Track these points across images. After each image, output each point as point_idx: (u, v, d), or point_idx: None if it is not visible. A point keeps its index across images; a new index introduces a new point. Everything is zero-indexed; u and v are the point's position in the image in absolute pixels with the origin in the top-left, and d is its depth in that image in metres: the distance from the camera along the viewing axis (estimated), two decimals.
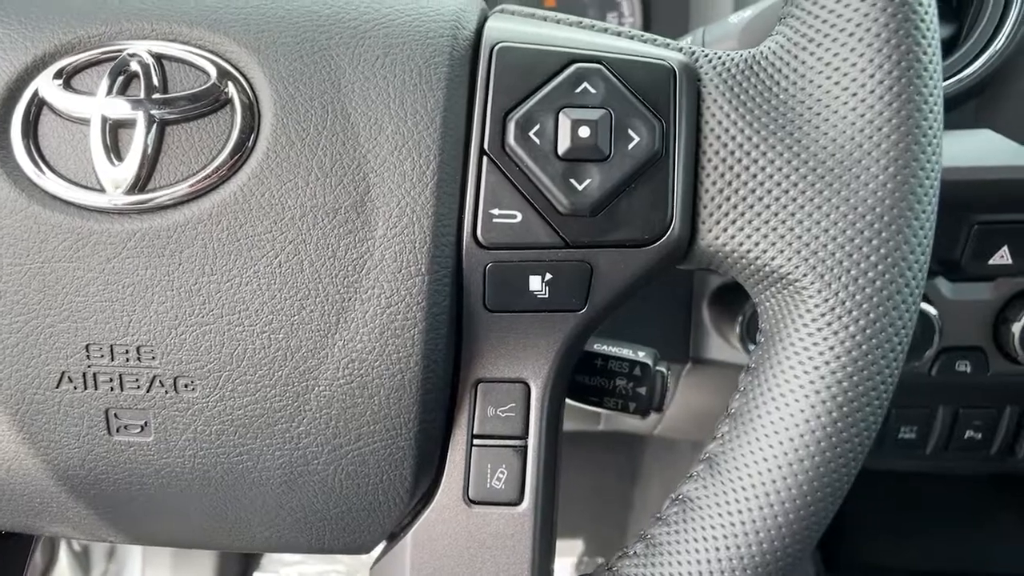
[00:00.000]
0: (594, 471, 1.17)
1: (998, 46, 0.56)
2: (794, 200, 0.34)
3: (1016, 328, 0.67)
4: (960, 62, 0.57)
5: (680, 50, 0.37)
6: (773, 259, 0.34)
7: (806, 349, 0.34)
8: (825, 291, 0.33)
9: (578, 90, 0.35)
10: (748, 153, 0.35)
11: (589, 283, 0.36)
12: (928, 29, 0.33)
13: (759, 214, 0.34)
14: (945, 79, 0.57)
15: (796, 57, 0.35)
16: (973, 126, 0.58)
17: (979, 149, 0.58)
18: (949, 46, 0.58)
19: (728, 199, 0.35)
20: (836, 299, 0.33)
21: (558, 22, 0.38)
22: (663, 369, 0.44)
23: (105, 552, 1.26)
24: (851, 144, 0.33)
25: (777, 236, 0.34)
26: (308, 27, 0.36)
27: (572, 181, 0.34)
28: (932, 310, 0.68)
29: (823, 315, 0.34)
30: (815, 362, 0.34)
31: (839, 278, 0.33)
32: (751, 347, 0.68)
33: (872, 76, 0.33)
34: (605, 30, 0.38)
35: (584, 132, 0.34)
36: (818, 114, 0.34)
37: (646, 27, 0.81)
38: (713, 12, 0.70)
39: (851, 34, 0.33)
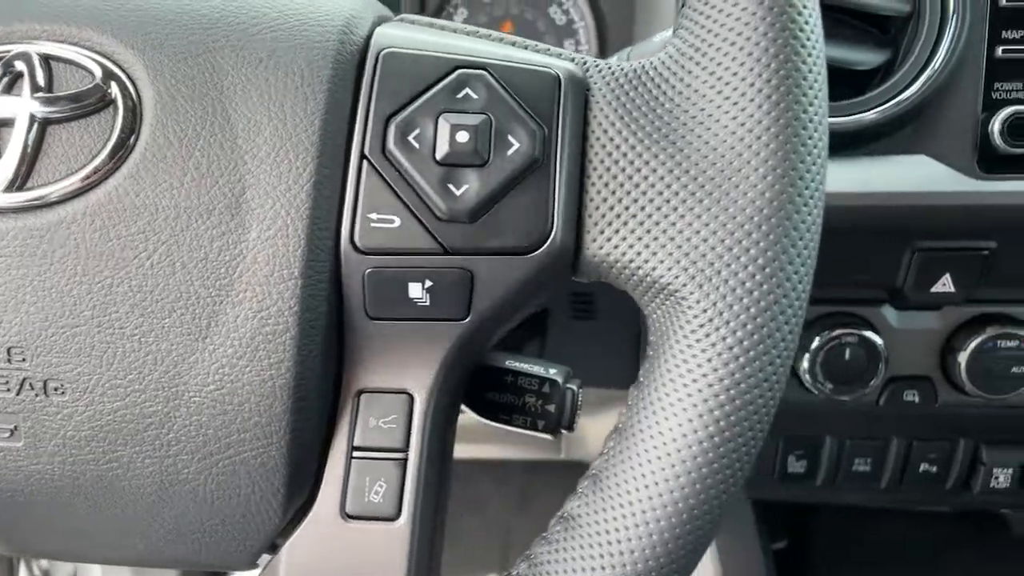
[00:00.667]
0: (559, 499, 1.15)
1: (933, 71, 0.56)
2: (675, 209, 0.33)
3: (962, 358, 0.66)
4: (896, 87, 0.57)
5: (572, 60, 0.36)
6: (654, 269, 0.34)
7: (686, 362, 0.33)
8: (704, 301, 0.33)
9: (460, 95, 0.34)
10: (632, 162, 0.34)
11: (471, 291, 0.35)
12: (809, 38, 0.33)
13: (641, 223, 0.34)
14: (881, 104, 0.57)
15: (683, 67, 0.34)
16: (909, 151, 0.58)
17: (915, 174, 0.58)
18: (885, 72, 0.58)
19: (611, 208, 0.34)
20: (714, 309, 0.32)
21: (454, 31, 0.38)
22: (573, 387, 0.43)
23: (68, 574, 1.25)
24: (731, 153, 0.33)
25: (658, 246, 0.33)
26: (195, 28, 0.35)
27: (450, 186, 0.34)
28: (878, 339, 0.67)
29: (702, 326, 0.33)
30: (694, 375, 0.33)
31: (717, 288, 0.32)
32: None
33: (752, 85, 0.32)
34: (500, 39, 0.38)
35: (463, 137, 0.34)
36: (701, 123, 0.33)
37: (601, 53, 0.81)
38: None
39: (732, 43, 0.33)
